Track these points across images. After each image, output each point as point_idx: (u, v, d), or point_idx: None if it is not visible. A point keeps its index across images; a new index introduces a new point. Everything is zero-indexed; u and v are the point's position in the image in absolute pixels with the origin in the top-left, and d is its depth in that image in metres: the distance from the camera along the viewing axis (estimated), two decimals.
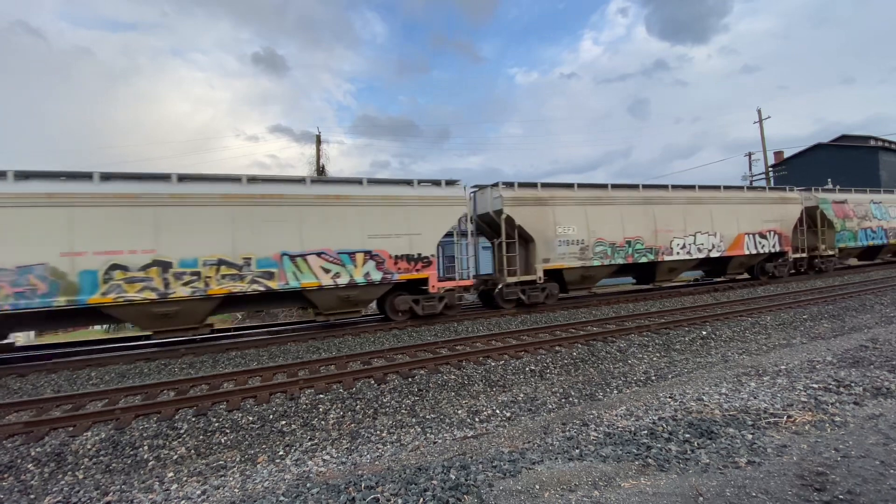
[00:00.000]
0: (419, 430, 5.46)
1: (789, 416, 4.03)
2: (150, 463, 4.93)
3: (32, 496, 4.35)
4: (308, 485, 3.50)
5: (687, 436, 3.77)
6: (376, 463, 4.36)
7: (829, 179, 24.22)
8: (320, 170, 21.84)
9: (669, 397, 5.02)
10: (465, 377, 6.88)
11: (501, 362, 7.46)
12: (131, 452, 5.05)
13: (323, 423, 5.70)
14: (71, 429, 5.42)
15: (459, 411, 5.95)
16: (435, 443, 4.99)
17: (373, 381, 6.67)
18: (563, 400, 6.25)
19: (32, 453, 4.95)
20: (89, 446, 5.08)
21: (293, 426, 5.60)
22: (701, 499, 2.72)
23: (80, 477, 4.71)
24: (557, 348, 8.18)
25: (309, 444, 5.26)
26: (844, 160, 31.69)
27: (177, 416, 5.70)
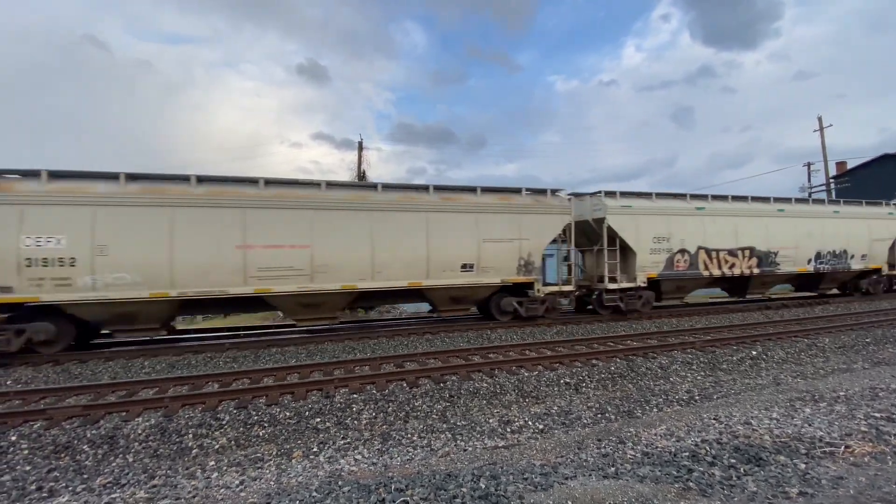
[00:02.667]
0: (450, 436, 5.45)
1: (847, 446, 3.74)
2: (194, 451, 5.17)
3: (86, 476, 4.64)
4: (340, 483, 3.56)
5: (732, 461, 3.57)
6: (406, 466, 4.38)
7: None
8: (361, 175, 22.33)
9: (714, 419, 4.77)
10: (498, 386, 6.82)
11: (535, 373, 7.34)
12: (177, 439, 5.30)
13: (356, 422, 5.79)
14: (124, 414, 5.77)
15: (491, 420, 5.89)
16: (465, 450, 4.96)
17: (405, 385, 6.72)
18: (599, 415, 6.06)
19: (88, 435, 5.29)
20: (140, 431, 5.38)
21: (327, 424, 5.72)
22: None
23: (130, 460, 4.99)
24: (594, 361, 7.97)
25: (342, 442, 5.35)
26: None
27: (220, 408, 5.95)
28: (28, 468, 4.72)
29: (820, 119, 27.68)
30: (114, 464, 4.90)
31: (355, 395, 6.31)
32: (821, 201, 16.20)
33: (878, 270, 16.47)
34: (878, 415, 4.52)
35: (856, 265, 15.68)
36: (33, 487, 4.37)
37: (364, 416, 5.91)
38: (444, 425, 5.75)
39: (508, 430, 5.64)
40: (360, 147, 22.46)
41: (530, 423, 5.82)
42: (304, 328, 12.20)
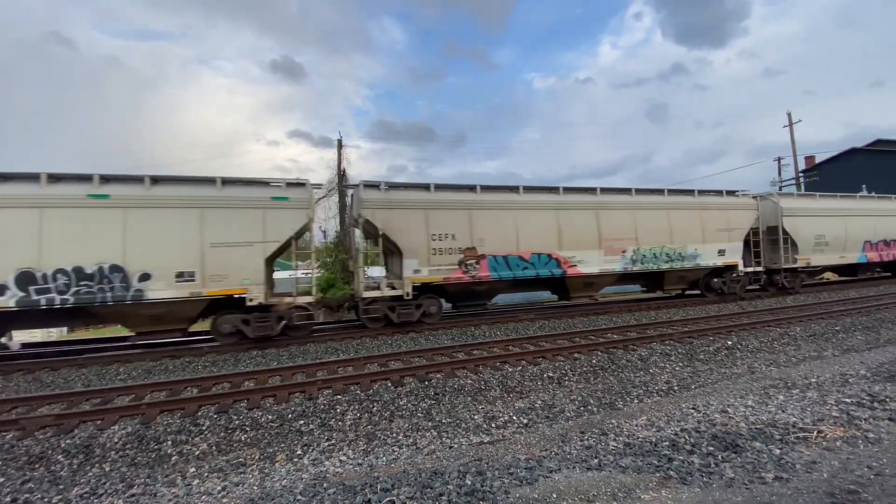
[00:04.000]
0: (435, 433, 5.45)
1: (819, 432, 3.87)
2: (174, 458, 5.05)
3: (61, 486, 4.50)
4: (325, 485, 3.53)
5: (711, 448, 3.66)
6: (392, 465, 4.37)
7: (864, 186, 23.33)
8: (342, 174, 22.08)
9: (692, 408, 4.89)
10: (482, 382, 6.85)
11: (519, 368, 7.39)
12: (156, 447, 5.18)
13: (340, 423, 5.74)
14: (99, 422, 5.60)
15: (476, 416, 5.92)
16: (451, 447, 4.98)
17: (389, 384, 6.69)
18: (582, 408, 6.15)
19: (62, 445, 5.13)
20: (116, 440, 5.23)
21: (311, 426, 5.66)
22: None
23: (107, 469, 4.85)
24: (576, 355, 8.07)
25: (326, 444, 5.30)
26: (880, 165, 30.44)
27: (199, 413, 5.83)
28: (2, 480, 4.56)
29: (789, 115, 28.52)
30: (90, 473, 4.76)
31: (339, 396, 6.26)
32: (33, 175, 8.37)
33: (230, 299, 9.30)
34: (848, 400, 4.69)
35: (160, 291, 8.66)
36: (8, 500, 4.21)
37: (348, 416, 5.87)
38: (430, 423, 5.76)
39: (493, 425, 5.67)
40: (340, 145, 22.19)
41: (515, 417, 5.87)
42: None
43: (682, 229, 13.69)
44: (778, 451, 3.52)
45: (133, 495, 4.31)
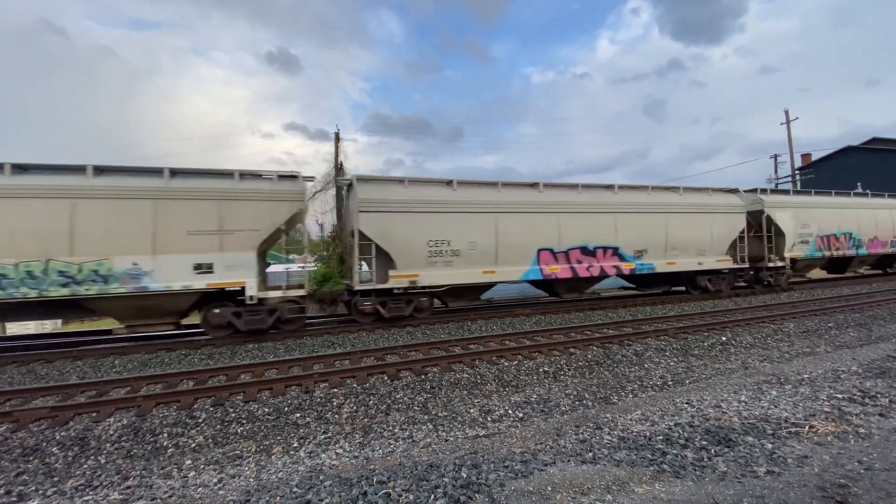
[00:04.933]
0: (431, 427, 5.48)
1: (811, 427, 3.92)
2: (170, 450, 5.06)
3: (56, 478, 4.50)
4: (321, 477, 3.55)
5: (704, 443, 3.70)
6: (388, 458, 4.39)
7: (859, 183, 23.44)
8: (339, 167, 22.00)
9: (686, 403, 4.93)
10: (478, 376, 6.88)
11: (515, 362, 7.43)
12: (151, 439, 5.18)
13: (336, 416, 5.76)
14: (94, 414, 5.59)
15: (472, 410, 5.95)
16: (447, 440, 5.00)
17: (386, 378, 6.71)
18: (577, 402, 6.19)
19: (57, 437, 5.12)
20: (111, 432, 5.23)
21: (307, 419, 5.67)
22: None
23: (103, 461, 4.85)
24: (572, 350, 8.11)
25: (322, 437, 5.32)
26: (876, 163, 30.61)
27: (196, 406, 5.83)
28: None
29: (786, 112, 28.60)
30: (85, 465, 4.76)
31: (336, 390, 6.27)
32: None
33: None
34: (840, 396, 4.75)
35: None
36: (2, 492, 4.21)
37: (345, 409, 5.88)
38: (426, 417, 5.78)
39: (489, 419, 5.70)
40: (337, 138, 22.09)
41: (510, 411, 5.90)
42: None
43: (100, 232, 8.30)
44: (770, 446, 3.56)
45: (129, 487, 4.31)
